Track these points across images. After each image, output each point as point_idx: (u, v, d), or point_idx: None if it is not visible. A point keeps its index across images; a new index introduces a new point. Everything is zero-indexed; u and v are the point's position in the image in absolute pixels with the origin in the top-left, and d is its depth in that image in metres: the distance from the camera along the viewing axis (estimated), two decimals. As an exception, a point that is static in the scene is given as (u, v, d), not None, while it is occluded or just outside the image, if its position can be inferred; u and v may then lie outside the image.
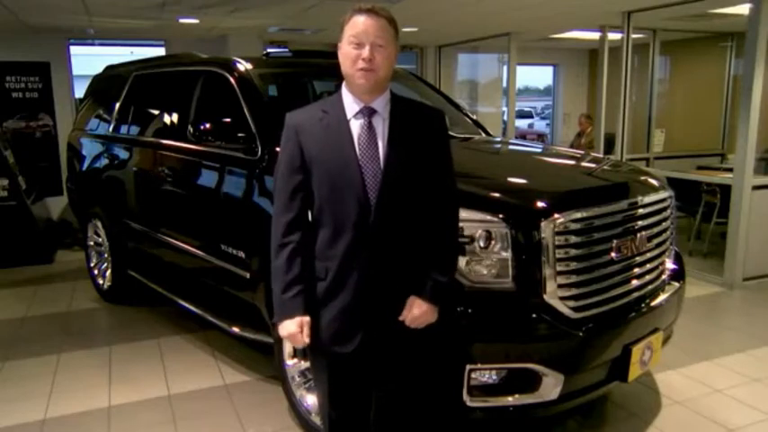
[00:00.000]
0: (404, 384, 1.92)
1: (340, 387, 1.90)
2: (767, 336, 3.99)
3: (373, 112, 1.79)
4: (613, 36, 6.70)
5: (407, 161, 1.78)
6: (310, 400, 2.74)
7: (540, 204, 2.37)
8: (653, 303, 2.68)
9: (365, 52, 1.72)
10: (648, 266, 2.68)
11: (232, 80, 3.33)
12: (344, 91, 1.83)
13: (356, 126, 1.79)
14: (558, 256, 2.31)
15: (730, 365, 3.55)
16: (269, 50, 4.16)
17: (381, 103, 1.80)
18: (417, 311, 1.81)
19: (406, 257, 1.81)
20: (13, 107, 7.18)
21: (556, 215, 2.33)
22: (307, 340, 1.80)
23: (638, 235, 2.59)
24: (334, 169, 1.75)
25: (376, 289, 1.78)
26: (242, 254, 3.09)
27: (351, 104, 1.80)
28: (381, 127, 1.79)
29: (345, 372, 1.87)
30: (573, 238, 2.36)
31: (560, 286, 2.32)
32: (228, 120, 3.15)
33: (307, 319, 1.80)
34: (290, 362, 2.83)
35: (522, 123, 19.37)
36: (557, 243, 2.31)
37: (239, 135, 3.10)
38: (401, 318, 1.81)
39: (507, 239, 2.28)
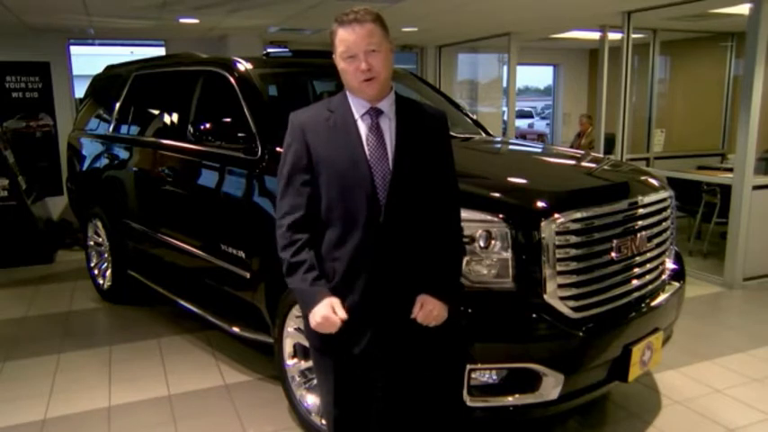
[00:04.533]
0: (408, 383, 1.92)
1: (345, 387, 1.89)
2: (767, 336, 3.99)
3: (380, 113, 1.80)
4: (613, 36, 6.70)
5: (415, 161, 1.79)
6: (311, 400, 2.74)
7: (540, 204, 2.37)
8: (653, 303, 2.68)
9: (362, 64, 1.72)
10: (648, 266, 2.68)
11: (232, 80, 3.33)
12: (349, 92, 1.83)
13: (363, 126, 1.79)
14: (558, 256, 2.31)
15: (730, 365, 3.55)
16: (269, 50, 4.16)
17: (387, 104, 1.82)
18: (429, 307, 1.80)
19: (414, 257, 1.81)
20: (13, 107, 7.17)
21: (556, 215, 2.33)
22: (344, 315, 1.74)
23: (639, 235, 2.59)
24: (343, 169, 1.75)
25: (384, 289, 1.78)
26: (242, 254, 3.09)
27: (357, 105, 1.81)
28: (388, 127, 1.80)
29: (351, 372, 1.87)
30: (573, 238, 2.36)
31: (560, 286, 2.33)
32: (228, 120, 3.16)
33: (336, 299, 1.76)
34: (290, 362, 2.83)
35: (522, 123, 19.37)
36: (557, 243, 2.31)
37: (239, 135, 3.10)
38: (412, 316, 1.80)
39: (507, 239, 2.28)
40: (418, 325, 1.82)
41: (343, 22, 1.74)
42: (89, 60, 9.47)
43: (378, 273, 1.76)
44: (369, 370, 1.87)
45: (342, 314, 1.74)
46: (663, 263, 2.82)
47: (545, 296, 2.30)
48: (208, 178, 3.41)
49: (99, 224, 4.72)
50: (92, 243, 4.93)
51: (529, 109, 25.67)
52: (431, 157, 1.83)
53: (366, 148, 1.77)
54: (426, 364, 1.94)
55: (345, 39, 1.73)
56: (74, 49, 7.77)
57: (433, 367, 2.00)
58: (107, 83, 5.00)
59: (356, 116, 1.80)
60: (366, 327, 1.79)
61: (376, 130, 1.79)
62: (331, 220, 1.78)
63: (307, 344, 2.47)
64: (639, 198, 2.65)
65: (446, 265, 1.87)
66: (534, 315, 2.30)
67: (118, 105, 4.58)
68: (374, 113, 1.80)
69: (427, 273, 1.83)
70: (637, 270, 2.60)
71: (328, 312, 1.73)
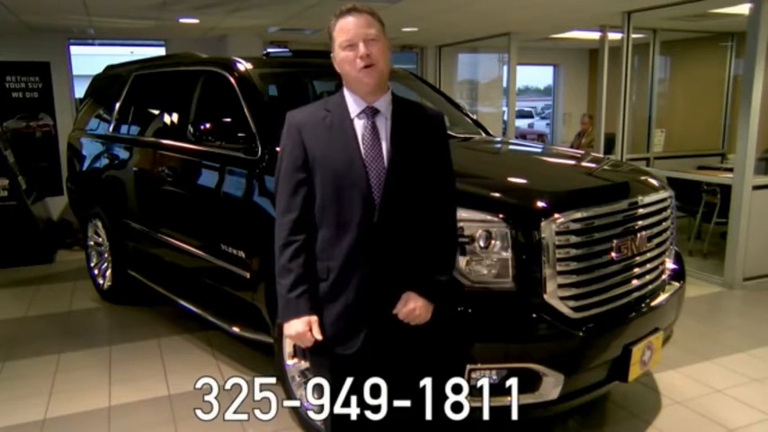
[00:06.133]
0: (406, 383, 1.91)
1: (343, 386, 1.89)
2: (767, 336, 3.99)
3: (376, 112, 1.80)
4: (613, 36, 6.70)
5: (410, 161, 1.79)
6: (311, 399, 2.74)
7: (540, 204, 2.37)
8: (653, 303, 2.68)
9: (361, 49, 1.74)
10: (649, 266, 2.68)
11: (232, 80, 3.33)
12: (347, 91, 1.84)
13: (360, 126, 1.79)
14: (558, 255, 2.31)
15: (730, 365, 3.55)
16: (269, 50, 4.15)
17: (384, 103, 1.81)
18: (412, 305, 1.80)
19: (409, 257, 1.81)
20: (13, 107, 7.17)
21: (556, 215, 2.33)
22: (319, 336, 1.79)
23: (639, 235, 2.59)
24: (339, 169, 1.76)
25: (379, 288, 1.78)
26: (242, 254, 3.09)
27: (354, 104, 1.81)
28: (384, 127, 1.80)
29: (348, 372, 1.86)
30: (573, 238, 2.36)
31: (560, 286, 2.32)
32: (228, 120, 3.16)
33: (315, 317, 1.79)
34: (290, 362, 2.83)
35: (522, 123, 19.39)
36: (557, 243, 2.31)
37: (239, 135, 3.10)
38: (394, 311, 1.80)
39: (507, 239, 2.28)
40: (412, 325, 1.82)
41: (341, 13, 1.79)
42: (89, 60, 9.47)
43: (372, 272, 1.76)
44: (365, 369, 1.87)
45: (317, 335, 1.78)
46: (663, 263, 2.82)
47: (545, 296, 2.30)
48: (208, 178, 3.41)
49: (99, 224, 4.72)
50: (92, 243, 4.93)
51: (529, 109, 25.69)
52: (427, 158, 1.83)
53: (362, 147, 1.77)
54: (425, 365, 1.94)
55: (345, 27, 1.76)
56: (74, 49, 7.78)
57: (432, 368, 2.00)
58: (107, 83, 5.01)
59: (352, 115, 1.80)
60: (361, 326, 1.79)
61: (372, 129, 1.79)
62: (326, 219, 1.79)
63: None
64: (639, 198, 2.65)
65: (435, 265, 1.86)
66: (534, 315, 2.30)
67: (118, 105, 4.58)
68: (370, 113, 1.80)
69: (418, 270, 1.83)
70: (637, 270, 2.60)
71: (305, 330, 1.78)
